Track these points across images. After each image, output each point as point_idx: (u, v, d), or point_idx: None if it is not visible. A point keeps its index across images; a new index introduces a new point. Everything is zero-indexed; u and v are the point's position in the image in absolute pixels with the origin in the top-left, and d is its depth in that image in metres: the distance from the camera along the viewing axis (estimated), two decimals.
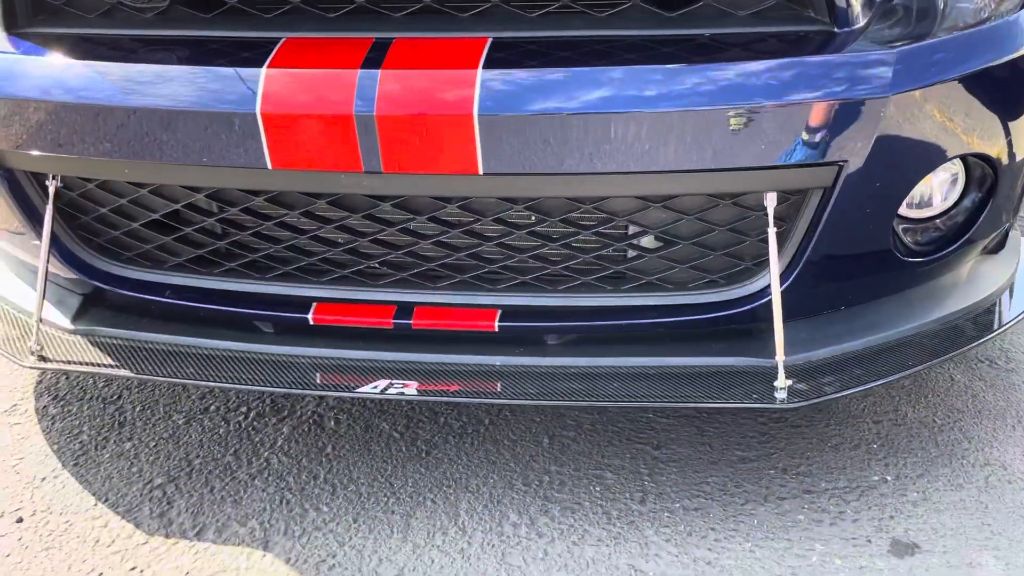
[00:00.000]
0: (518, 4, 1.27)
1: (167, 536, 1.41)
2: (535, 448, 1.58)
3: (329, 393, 1.35)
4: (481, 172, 1.21)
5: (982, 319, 1.50)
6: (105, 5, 1.33)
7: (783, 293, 1.30)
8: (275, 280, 1.44)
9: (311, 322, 1.41)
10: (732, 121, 1.18)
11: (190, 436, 1.63)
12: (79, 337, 1.48)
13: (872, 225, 1.32)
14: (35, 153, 1.33)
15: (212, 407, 1.71)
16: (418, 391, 1.33)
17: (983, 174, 1.40)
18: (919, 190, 1.39)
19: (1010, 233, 1.63)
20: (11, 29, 1.34)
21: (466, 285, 1.40)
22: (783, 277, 1.31)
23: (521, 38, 1.25)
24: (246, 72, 1.22)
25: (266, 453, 1.58)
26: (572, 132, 1.18)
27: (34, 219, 1.42)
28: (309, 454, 1.58)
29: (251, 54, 1.24)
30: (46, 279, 1.41)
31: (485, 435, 1.62)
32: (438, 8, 1.27)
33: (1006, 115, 1.35)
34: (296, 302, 1.43)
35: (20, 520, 1.45)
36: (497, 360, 1.39)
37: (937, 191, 1.41)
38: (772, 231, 1.26)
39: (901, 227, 1.39)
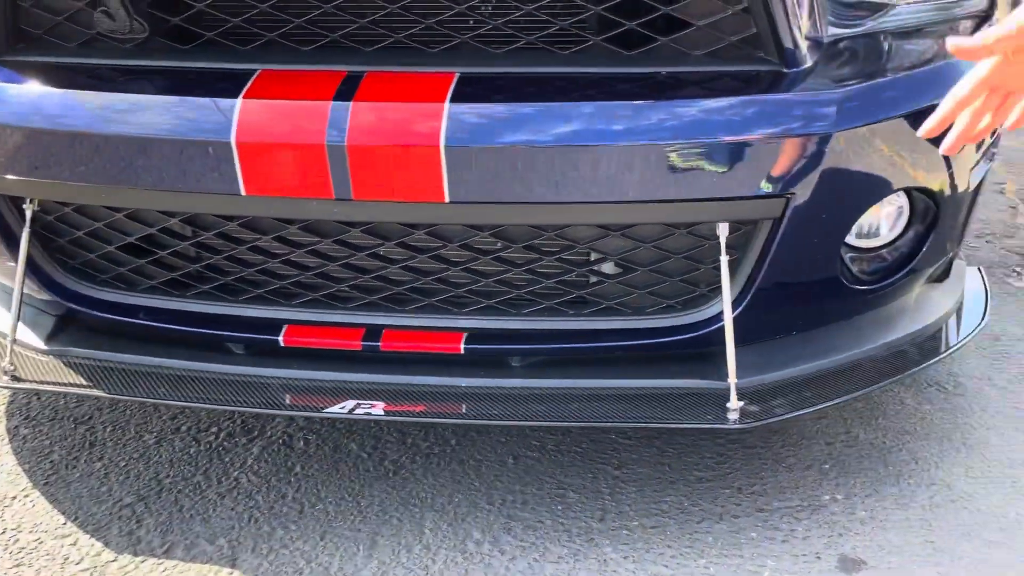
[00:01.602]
0: (484, 41, 1.33)
1: (136, 554, 1.43)
2: (500, 468, 1.62)
3: (298, 413, 1.39)
4: (447, 200, 1.26)
5: (927, 344, 1.58)
6: (85, 35, 1.38)
7: (736, 319, 1.36)
8: (247, 303, 1.48)
9: (282, 344, 1.45)
10: (686, 155, 1.25)
11: (160, 456, 1.66)
12: (52, 358, 1.50)
13: (820, 254, 1.39)
14: (13, 177, 1.37)
15: (183, 427, 1.74)
16: (385, 412, 1.37)
17: (926, 207, 1.48)
18: (866, 221, 1.46)
19: (955, 262, 1.71)
20: None
21: (433, 308, 1.45)
22: (736, 303, 1.37)
23: (487, 73, 1.31)
24: (222, 102, 1.26)
25: (236, 472, 1.61)
26: (535, 163, 1.24)
27: (10, 241, 1.45)
28: (278, 473, 1.61)
29: (227, 84, 1.29)
30: (21, 300, 1.44)
31: (451, 455, 1.66)
32: (408, 44, 1.34)
33: (947, 159, 1.43)
34: (267, 324, 1.47)
35: None
36: (463, 382, 1.44)
37: (883, 222, 1.48)
38: (724, 259, 1.32)
39: (849, 256, 1.46)
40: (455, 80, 1.28)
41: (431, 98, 1.25)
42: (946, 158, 1.44)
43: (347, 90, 1.26)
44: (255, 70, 1.31)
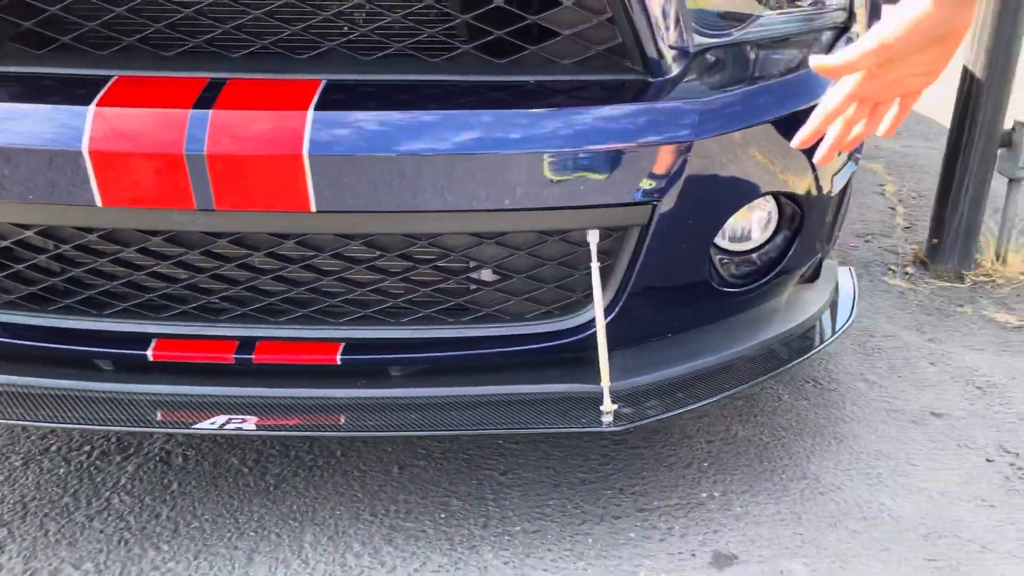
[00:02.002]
0: (354, 48, 1.32)
1: None
2: (384, 478, 1.61)
3: (167, 430, 1.34)
4: (314, 210, 1.24)
5: (797, 343, 1.63)
6: None
7: (610, 323, 1.38)
8: (113, 317, 1.42)
9: (151, 358, 1.40)
10: (553, 163, 1.26)
11: (27, 478, 1.58)
12: None
13: (689, 259, 1.43)
14: None
15: (53, 447, 1.66)
16: (257, 426, 1.34)
17: (792, 211, 1.53)
18: (736, 225, 1.50)
19: (825, 263, 1.78)
20: None
21: (308, 319, 1.42)
22: (609, 308, 1.40)
23: (355, 81, 1.29)
24: (73, 109, 1.21)
25: (107, 493, 1.55)
26: (403, 172, 1.23)
27: None
28: (153, 492, 1.56)
29: (81, 91, 1.24)
30: None
31: (335, 467, 1.63)
32: (275, 50, 1.31)
33: (808, 157, 1.48)
34: (135, 339, 1.41)
35: None
36: (340, 393, 1.42)
37: (754, 226, 1.53)
38: (595, 266, 1.34)
39: (719, 259, 1.50)
40: (321, 87, 1.26)
41: (295, 105, 1.23)
42: (810, 163, 1.49)
43: (208, 97, 1.23)
44: (111, 76, 1.26)
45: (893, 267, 2.60)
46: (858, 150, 1.76)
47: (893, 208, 3.16)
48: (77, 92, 1.24)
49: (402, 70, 1.32)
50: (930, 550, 1.45)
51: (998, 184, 2.58)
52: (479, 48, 1.32)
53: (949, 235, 2.50)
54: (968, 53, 2.35)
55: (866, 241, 2.81)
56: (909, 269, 2.58)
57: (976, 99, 2.34)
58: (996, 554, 1.45)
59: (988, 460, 1.69)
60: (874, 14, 1.71)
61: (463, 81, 1.31)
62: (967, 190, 2.43)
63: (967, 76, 2.36)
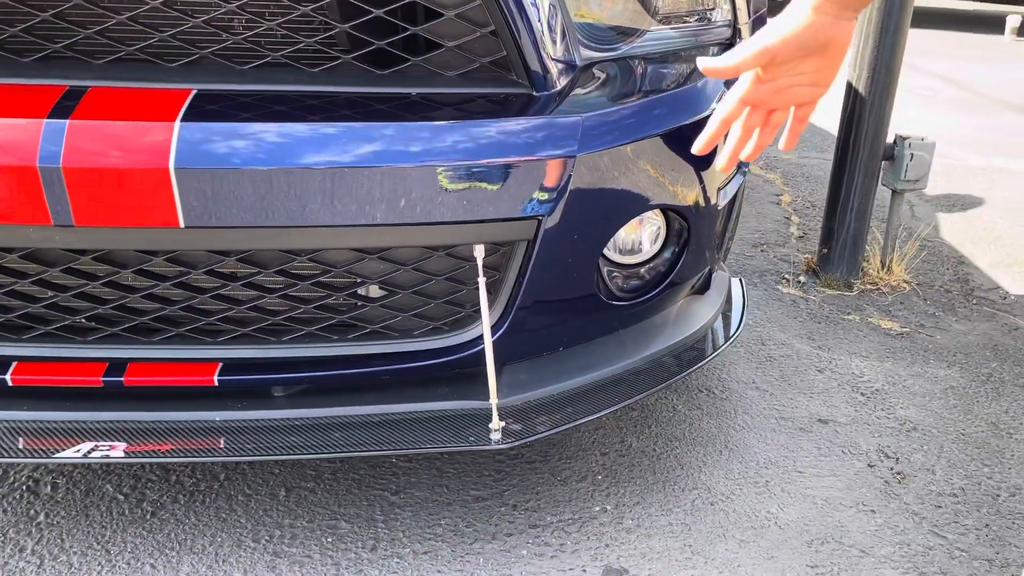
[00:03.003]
0: (228, 56, 1.27)
1: None
2: (270, 502, 1.55)
3: (24, 460, 1.25)
4: (183, 225, 1.18)
5: (687, 355, 1.65)
6: None
7: (499, 338, 1.37)
8: None
9: (9, 383, 1.31)
10: (435, 177, 1.23)
11: None
12: None
13: (577, 272, 1.42)
14: None
15: None
16: (126, 452, 1.27)
17: (680, 224, 1.55)
18: (625, 238, 1.51)
19: (716, 274, 1.81)
20: None
21: (183, 339, 1.36)
22: (497, 323, 1.38)
23: (228, 91, 1.24)
24: None
25: None
26: (276, 186, 1.19)
27: None
28: (18, 524, 1.46)
29: None
30: None
31: (219, 491, 1.56)
32: (143, 57, 1.25)
33: (694, 171, 1.50)
34: None
35: None
36: (218, 415, 1.36)
37: (640, 239, 1.54)
38: (482, 280, 1.32)
39: (608, 273, 1.50)
40: (191, 97, 1.20)
41: (161, 116, 1.17)
42: (698, 176, 1.51)
43: (66, 106, 1.16)
44: None
45: (787, 276, 2.67)
46: (745, 164, 1.79)
47: (788, 218, 3.26)
48: None
49: (278, 80, 1.27)
50: (813, 557, 1.48)
51: (884, 194, 2.68)
52: (360, 59, 1.29)
53: (838, 245, 2.58)
54: (851, 70, 2.44)
55: (762, 251, 2.89)
56: (802, 278, 2.66)
57: (860, 114, 2.43)
58: (875, 558, 1.49)
59: (870, 465, 1.75)
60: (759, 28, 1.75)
61: (342, 92, 1.27)
62: (853, 202, 2.51)
63: (851, 92, 2.45)
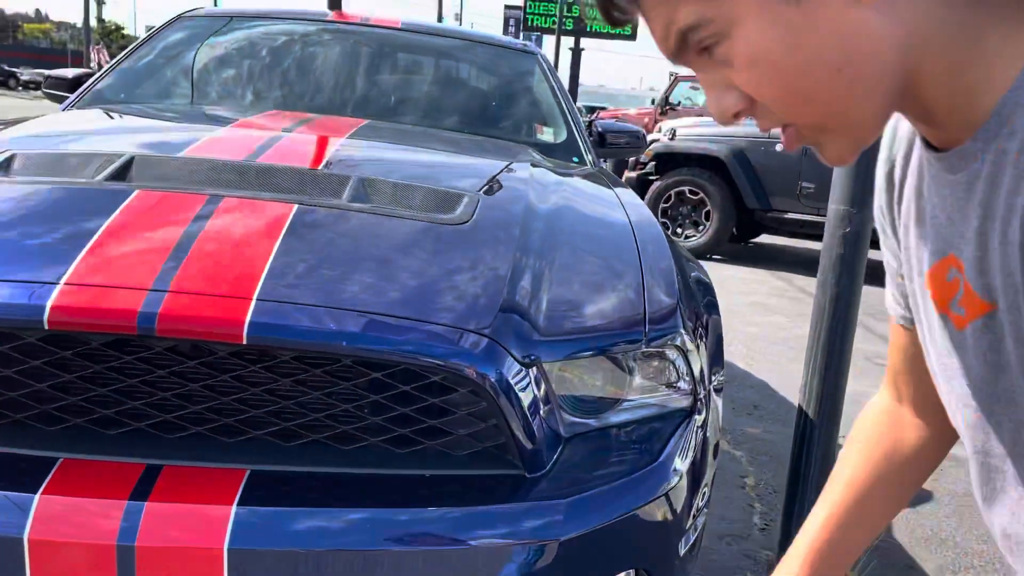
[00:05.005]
0: (276, 434, 1.54)
1: None
2: None
3: None
4: None
5: None
6: None
7: None
8: None
9: None
10: (447, 558, 1.47)
11: None
12: None
13: None
14: None
15: None
16: None
17: None
18: None
19: None
20: None
21: None
22: None
23: (276, 472, 1.50)
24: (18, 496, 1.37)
25: None
26: (314, 565, 1.42)
27: None
28: None
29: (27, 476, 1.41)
30: None
31: None
32: (206, 433, 1.52)
33: (667, 535, 1.75)
34: None
35: None
36: None
37: None
38: None
39: None
40: (245, 479, 1.46)
41: (221, 499, 1.42)
42: (663, 545, 1.76)
43: (143, 490, 1.41)
44: (57, 459, 1.44)
45: (750, 573, 2.86)
46: (706, 504, 2.04)
47: (752, 504, 3.49)
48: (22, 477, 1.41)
49: (318, 461, 1.54)
50: None
51: None
52: (385, 441, 1.57)
53: None
54: (801, 395, 2.78)
55: (727, 543, 3.09)
56: None
57: (810, 436, 2.74)
58: None
59: None
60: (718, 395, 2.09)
61: (370, 475, 1.54)
62: (807, 513, 2.76)
63: (801, 414, 2.77)
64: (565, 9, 20.01)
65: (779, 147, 8.66)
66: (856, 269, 2.60)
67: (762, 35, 0.69)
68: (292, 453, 1.55)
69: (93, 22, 52.21)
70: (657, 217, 9.59)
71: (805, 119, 0.74)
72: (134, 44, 3.74)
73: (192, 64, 3.60)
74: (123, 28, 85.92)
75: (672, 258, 2.25)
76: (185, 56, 3.67)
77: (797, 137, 0.77)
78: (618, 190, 2.91)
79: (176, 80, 3.54)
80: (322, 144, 2.63)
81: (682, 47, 0.73)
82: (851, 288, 2.59)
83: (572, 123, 3.65)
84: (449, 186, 2.27)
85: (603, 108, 31.68)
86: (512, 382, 1.57)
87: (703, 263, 11.48)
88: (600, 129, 3.83)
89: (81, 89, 3.33)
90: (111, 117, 2.89)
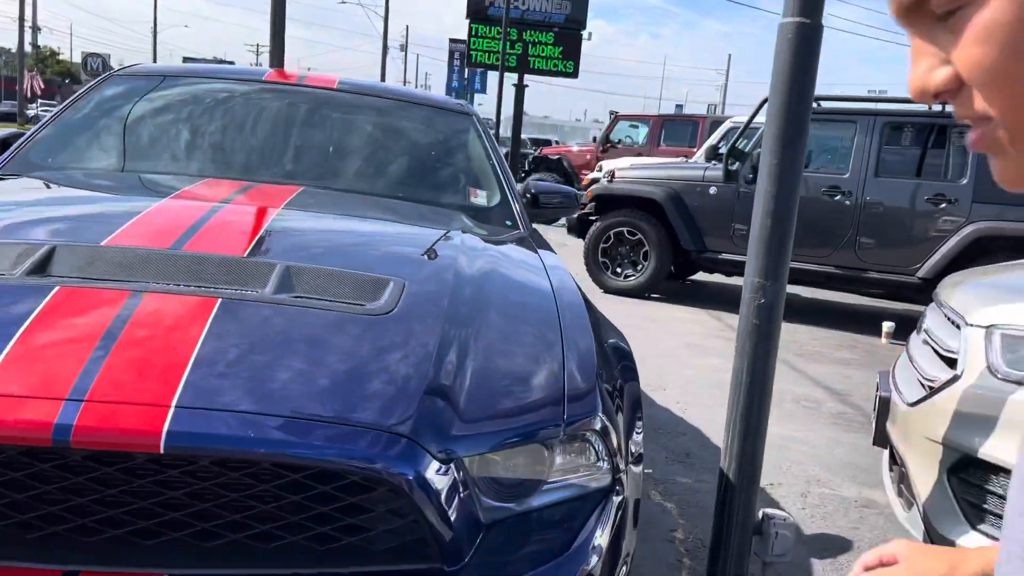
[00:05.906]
0: (195, 535, 1.56)
1: None
2: None
3: None
4: None
5: None
6: None
7: None
8: None
9: None
10: None
11: None
12: None
13: None
14: None
15: None
16: None
17: None
18: None
19: None
20: None
21: None
22: None
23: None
24: None
25: None
26: None
27: None
28: None
29: None
30: None
31: None
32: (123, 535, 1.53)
33: None
34: None
35: None
36: None
37: None
38: None
39: None
40: None
41: None
42: None
43: None
44: None
45: None
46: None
47: (681, 560, 3.56)
48: None
49: (237, 562, 1.56)
50: None
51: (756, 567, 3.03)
52: (307, 539, 1.60)
53: None
54: (723, 459, 2.88)
55: None
56: None
57: (732, 498, 2.83)
58: None
59: None
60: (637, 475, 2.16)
61: (289, 575, 1.57)
62: (730, 571, 2.85)
63: (723, 477, 2.87)
64: (509, 47, 20.30)
65: (712, 189, 8.92)
66: (772, 339, 2.72)
67: (1009, 10, 0.62)
68: (212, 555, 1.57)
69: (28, 48, 51.03)
70: (597, 256, 9.89)
71: (1012, 116, 0.66)
72: (64, 104, 3.71)
73: (124, 125, 3.59)
74: (59, 53, 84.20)
75: (591, 328, 2.33)
76: (118, 116, 3.66)
77: (987, 140, 0.69)
78: (543, 253, 3.01)
79: (108, 143, 3.52)
80: (260, 216, 2.66)
81: (922, 2, 0.67)
82: (766, 358, 2.71)
83: (505, 186, 3.74)
84: (379, 266, 2.33)
85: (547, 143, 32.09)
86: (430, 480, 1.62)
87: (643, 302, 11.56)
88: (534, 191, 3.93)
89: (8, 153, 3.29)
90: (37, 189, 2.87)
